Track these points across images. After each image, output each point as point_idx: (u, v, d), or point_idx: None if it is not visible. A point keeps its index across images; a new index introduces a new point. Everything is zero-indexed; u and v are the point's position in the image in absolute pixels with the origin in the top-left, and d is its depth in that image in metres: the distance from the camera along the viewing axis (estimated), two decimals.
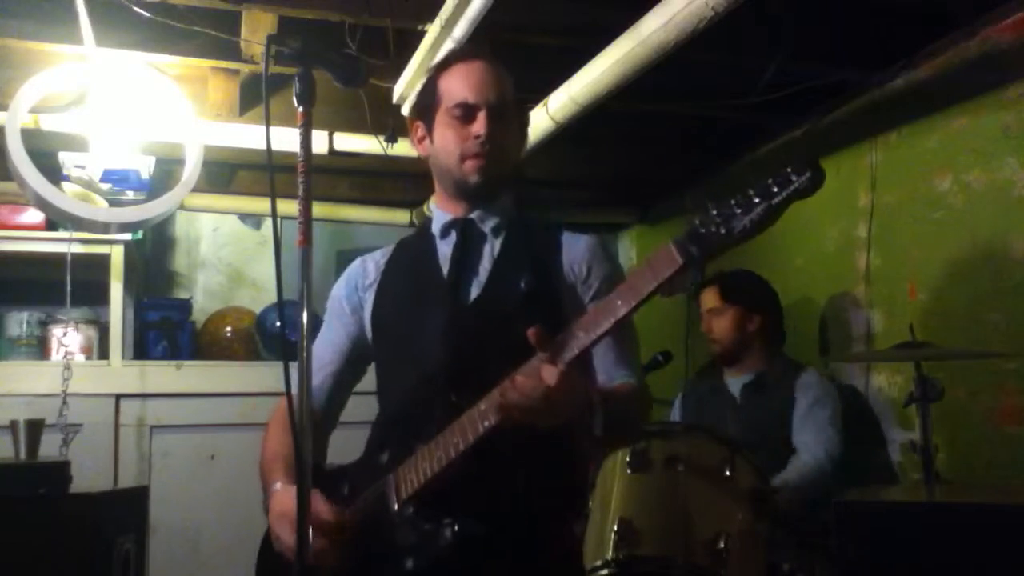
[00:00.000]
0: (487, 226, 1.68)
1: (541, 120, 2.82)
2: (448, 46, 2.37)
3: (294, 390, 1.27)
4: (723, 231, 1.18)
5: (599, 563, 1.83)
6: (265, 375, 3.49)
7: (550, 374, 1.30)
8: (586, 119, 2.75)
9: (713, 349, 3.05)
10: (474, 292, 1.63)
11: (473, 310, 1.61)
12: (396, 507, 1.48)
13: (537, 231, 1.73)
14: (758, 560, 1.87)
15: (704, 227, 1.20)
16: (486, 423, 1.39)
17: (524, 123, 1.76)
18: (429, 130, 1.68)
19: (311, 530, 1.40)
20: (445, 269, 1.66)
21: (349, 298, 1.75)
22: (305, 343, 1.25)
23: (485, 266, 1.65)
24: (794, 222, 3.46)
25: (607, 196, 4.50)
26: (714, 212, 1.19)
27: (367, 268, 1.77)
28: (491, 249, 1.67)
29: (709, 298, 3.06)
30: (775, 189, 1.16)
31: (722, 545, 1.77)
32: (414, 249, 1.77)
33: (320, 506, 1.46)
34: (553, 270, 1.64)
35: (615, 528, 1.81)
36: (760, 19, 2.70)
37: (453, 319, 1.60)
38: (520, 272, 1.60)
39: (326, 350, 1.73)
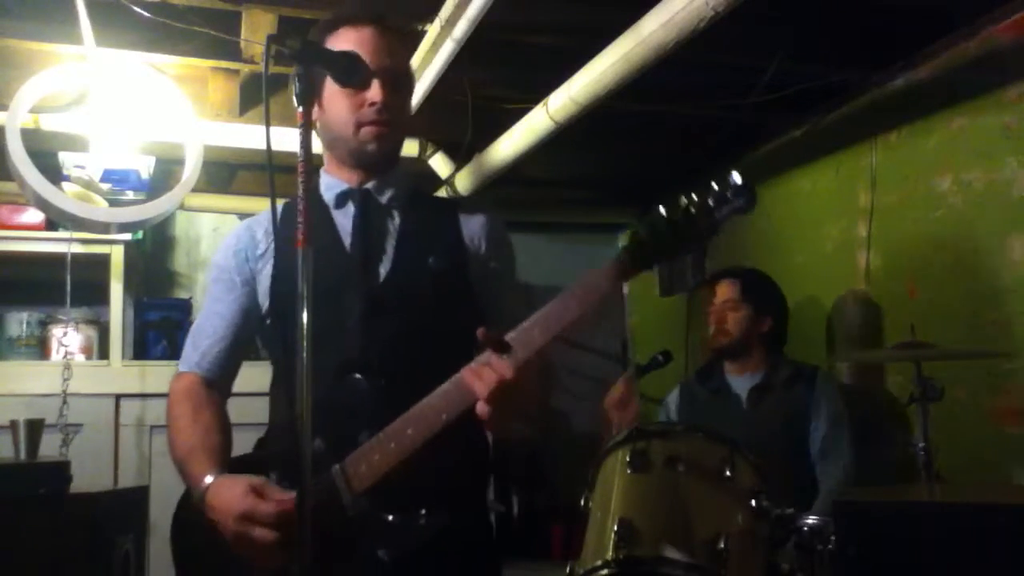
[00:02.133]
0: (385, 197, 1.67)
1: (541, 120, 2.82)
2: (448, 46, 2.37)
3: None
4: (668, 242, 1.29)
5: (599, 563, 1.83)
6: (265, 375, 3.46)
7: (506, 368, 1.31)
8: (586, 119, 2.75)
9: (719, 342, 2.99)
10: (383, 269, 1.61)
11: (385, 288, 1.59)
12: (350, 502, 1.45)
13: (434, 205, 1.75)
14: (758, 560, 1.87)
15: (650, 238, 1.31)
16: (444, 417, 1.38)
17: (413, 86, 1.74)
18: (318, 95, 1.63)
19: (268, 525, 1.39)
20: (347, 242, 1.63)
21: (239, 269, 1.69)
22: (305, 343, 1.24)
23: (391, 242, 1.64)
24: (794, 222, 3.47)
25: (607, 196, 4.51)
26: (660, 224, 1.30)
27: (255, 236, 1.70)
28: (393, 223, 1.66)
29: (727, 290, 3.01)
30: (712, 204, 1.27)
31: (722, 545, 1.77)
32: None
33: (273, 496, 1.41)
34: (456, 243, 1.65)
35: (615, 528, 1.81)
36: (760, 19, 2.70)
37: (368, 298, 1.57)
38: (425, 247, 1.61)
39: (219, 323, 1.68)
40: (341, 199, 1.67)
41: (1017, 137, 2.52)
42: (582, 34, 2.60)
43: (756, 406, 2.88)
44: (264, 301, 1.67)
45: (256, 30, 2.63)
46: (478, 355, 1.36)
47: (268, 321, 1.67)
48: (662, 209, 1.30)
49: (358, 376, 1.52)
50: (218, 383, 1.70)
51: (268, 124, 1.31)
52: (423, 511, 1.42)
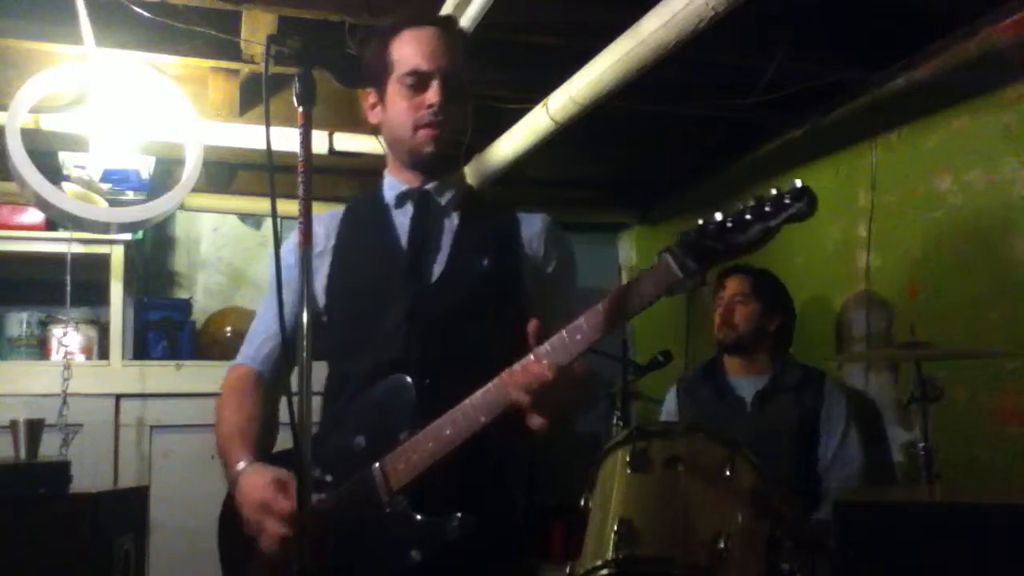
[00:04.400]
0: (444, 198, 1.67)
1: (541, 120, 2.82)
2: None
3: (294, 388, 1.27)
4: (720, 247, 1.23)
5: (599, 563, 1.83)
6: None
7: (551, 370, 1.32)
8: (586, 119, 2.75)
9: (726, 337, 2.95)
10: (437, 268, 1.61)
11: (438, 287, 1.60)
12: (387, 499, 1.46)
13: (493, 208, 1.74)
14: (758, 560, 1.87)
15: (700, 240, 1.25)
16: (482, 419, 1.39)
17: (472, 92, 1.71)
18: (381, 98, 1.65)
19: (282, 519, 1.40)
20: (404, 241, 1.64)
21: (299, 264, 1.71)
22: (306, 343, 1.24)
23: (446, 240, 1.64)
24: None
25: (607, 196, 4.51)
26: (710, 227, 1.24)
27: (316, 233, 1.68)
28: (450, 223, 1.66)
29: (737, 285, 2.97)
30: (768, 209, 1.20)
31: (722, 545, 1.77)
32: (368, 217, 1.71)
33: (291, 494, 1.41)
34: (513, 246, 1.65)
35: (615, 528, 1.81)
36: (760, 19, 2.70)
37: (419, 297, 1.58)
38: (481, 248, 1.61)
39: (274, 320, 1.67)
40: (401, 199, 1.68)
41: (1017, 137, 2.52)
42: (582, 34, 2.60)
43: (762, 409, 2.85)
44: (321, 299, 1.66)
45: (256, 30, 2.63)
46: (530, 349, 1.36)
47: (325, 319, 1.66)
48: (717, 215, 1.24)
49: (403, 375, 1.52)
50: (269, 377, 1.70)
51: (268, 124, 1.31)
52: (458, 513, 1.42)
